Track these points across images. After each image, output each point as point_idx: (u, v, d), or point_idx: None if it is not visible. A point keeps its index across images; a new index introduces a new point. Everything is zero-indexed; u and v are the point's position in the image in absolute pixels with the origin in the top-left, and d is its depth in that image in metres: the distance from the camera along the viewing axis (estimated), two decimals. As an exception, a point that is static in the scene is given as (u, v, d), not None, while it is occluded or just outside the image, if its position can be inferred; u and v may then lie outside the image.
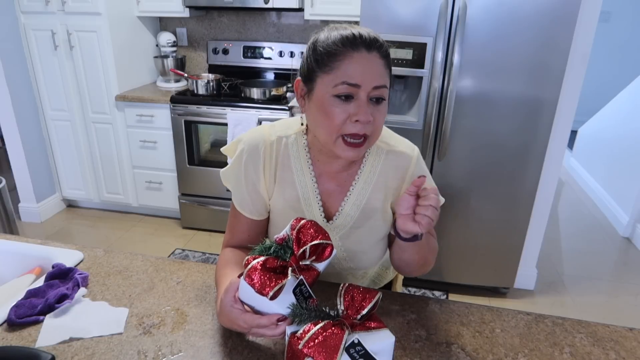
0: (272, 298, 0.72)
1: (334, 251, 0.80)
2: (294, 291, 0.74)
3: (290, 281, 0.73)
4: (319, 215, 0.96)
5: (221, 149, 1.02)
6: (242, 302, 0.77)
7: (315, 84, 0.83)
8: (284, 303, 0.73)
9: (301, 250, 0.76)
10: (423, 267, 0.96)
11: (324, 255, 0.79)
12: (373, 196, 0.95)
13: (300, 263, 0.77)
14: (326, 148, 0.88)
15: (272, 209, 0.99)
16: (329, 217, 0.97)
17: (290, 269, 0.75)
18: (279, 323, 0.73)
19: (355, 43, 0.79)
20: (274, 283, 0.72)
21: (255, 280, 0.72)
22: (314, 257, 0.78)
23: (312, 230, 0.78)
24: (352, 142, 0.82)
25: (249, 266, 0.73)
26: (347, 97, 0.80)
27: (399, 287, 1.22)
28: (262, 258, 0.74)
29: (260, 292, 0.72)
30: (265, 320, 0.73)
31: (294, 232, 0.78)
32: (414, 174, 0.94)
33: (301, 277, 0.74)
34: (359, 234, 0.97)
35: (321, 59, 0.81)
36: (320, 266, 0.79)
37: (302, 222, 0.79)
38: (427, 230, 0.78)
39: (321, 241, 0.77)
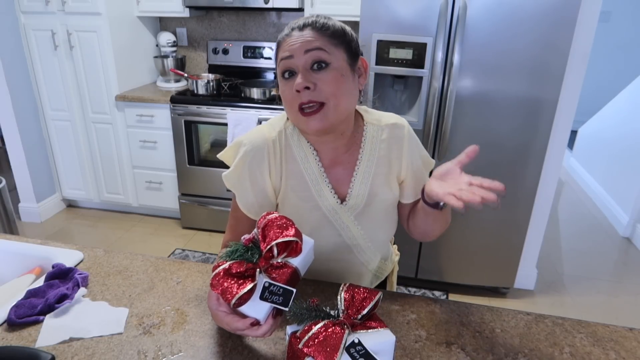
0: (235, 306, 0.70)
1: (311, 241, 0.76)
2: (262, 297, 0.70)
3: (259, 286, 0.70)
4: (331, 198, 0.97)
5: (218, 155, 1.02)
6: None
7: (277, 75, 0.91)
8: (259, 307, 0.71)
9: (267, 248, 0.71)
10: (430, 235, 1.02)
11: (297, 249, 0.73)
12: (378, 171, 0.99)
13: (272, 262, 0.72)
14: (300, 128, 0.93)
15: (283, 206, 0.99)
16: (341, 200, 0.99)
17: (258, 271, 0.71)
18: (261, 324, 0.72)
19: (291, 30, 0.88)
20: (235, 290, 0.69)
21: (218, 288, 0.70)
22: (284, 254, 0.72)
23: (278, 224, 0.72)
24: (307, 111, 0.86)
25: (213, 273, 0.71)
26: (291, 74, 0.86)
27: (394, 281, 1.23)
28: (227, 264, 0.71)
29: (224, 299, 0.70)
30: (241, 324, 0.72)
31: (260, 230, 0.73)
32: (410, 141, 1.00)
33: (265, 280, 0.70)
34: (372, 210, 1.00)
35: (275, 53, 0.91)
36: (296, 261, 0.73)
37: (268, 217, 0.74)
38: (458, 205, 0.76)
39: (286, 239, 0.70)
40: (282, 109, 0.96)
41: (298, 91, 0.84)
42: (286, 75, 0.86)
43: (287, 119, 0.98)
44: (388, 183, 1.00)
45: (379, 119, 1.01)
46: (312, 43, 0.84)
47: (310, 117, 0.85)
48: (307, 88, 0.84)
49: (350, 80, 0.88)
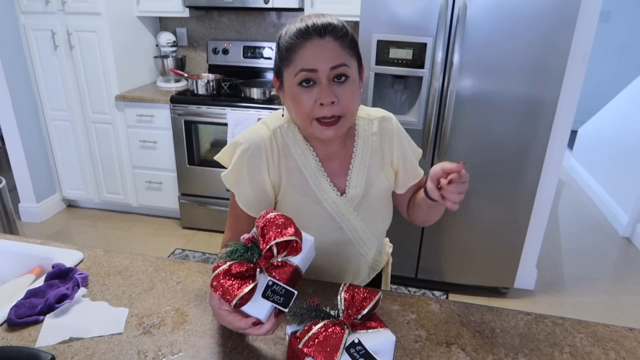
0: (236, 306, 0.70)
1: (312, 239, 0.76)
2: (265, 295, 0.70)
3: (260, 285, 0.70)
4: (331, 191, 0.99)
5: (215, 157, 1.03)
6: None
7: (283, 77, 0.91)
8: (260, 306, 0.71)
9: (267, 248, 0.71)
10: (430, 222, 1.08)
11: (297, 248, 0.73)
12: (372, 163, 1.02)
13: (273, 261, 0.72)
14: (307, 132, 0.95)
15: (284, 203, 1.00)
16: (340, 192, 1.01)
17: (258, 270, 0.71)
18: (263, 324, 0.72)
19: (308, 33, 0.86)
20: (236, 291, 0.69)
21: (218, 289, 0.70)
22: (284, 253, 0.72)
23: (278, 223, 0.72)
24: (325, 122, 0.88)
25: (213, 274, 0.71)
26: (310, 83, 0.86)
27: (389, 273, 1.24)
28: (227, 264, 0.71)
29: (225, 300, 0.70)
30: (243, 324, 0.73)
31: (259, 229, 0.73)
32: (398, 134, 1.05)
33: (268, 279, 0.70)
34: (369, 201, 1.03)
35: (282, 54, 0.89)
36: (296, 260, 0.73)
37: (267, 216, 0.73)
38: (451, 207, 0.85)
39: (285, 238, 0.70)
40: (282, 109, 0.97)
41: (321, 104, 0.86)
42: (304, 84, 0.87)
43: (282, 115, 1.00)
44: (383, 173, 1.04)
45: (368, 114, 1.05)
46: (338, 58, 0.85)
47: (328, 127, 0.88)
48: (332, 102, 0.86)
49: (359, 89, 0.92)
